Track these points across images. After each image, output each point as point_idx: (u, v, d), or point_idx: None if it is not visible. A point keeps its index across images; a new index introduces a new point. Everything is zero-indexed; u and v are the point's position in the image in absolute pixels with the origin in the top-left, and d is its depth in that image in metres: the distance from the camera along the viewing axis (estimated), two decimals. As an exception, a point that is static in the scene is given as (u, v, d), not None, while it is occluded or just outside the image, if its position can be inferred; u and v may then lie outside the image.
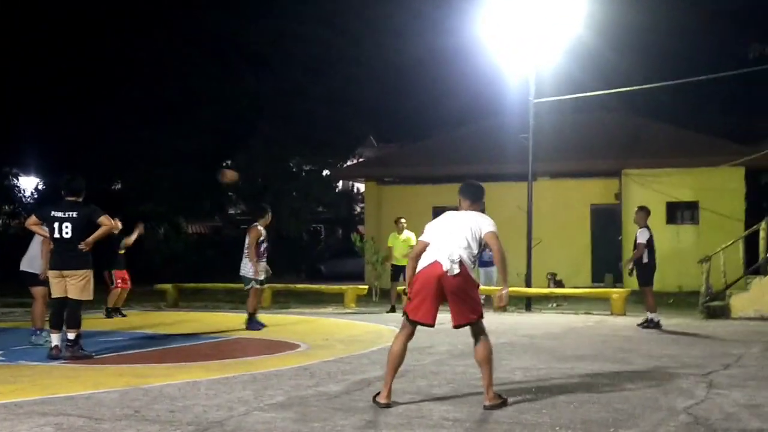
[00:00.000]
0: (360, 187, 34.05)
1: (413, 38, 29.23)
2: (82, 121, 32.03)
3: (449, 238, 6.14)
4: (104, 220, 8.76)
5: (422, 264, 6.11)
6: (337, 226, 40.94)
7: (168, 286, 17.65)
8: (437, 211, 24.09)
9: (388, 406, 5.94)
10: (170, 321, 13.38)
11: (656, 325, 12.15)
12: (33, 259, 10.18)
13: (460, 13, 22.29)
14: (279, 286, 18.83)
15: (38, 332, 10.00)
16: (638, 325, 12.26)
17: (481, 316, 6.18)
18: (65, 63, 30.08)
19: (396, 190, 24.03)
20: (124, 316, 14.09)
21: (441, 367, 8.07)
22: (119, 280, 14.21)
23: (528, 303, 16.34)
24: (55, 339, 8.65)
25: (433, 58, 29.33)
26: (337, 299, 17.12)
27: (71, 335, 8.61)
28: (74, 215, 8.66)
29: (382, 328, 12.19)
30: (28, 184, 37.67)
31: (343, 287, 17.37)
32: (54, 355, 8.56)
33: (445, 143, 25.06)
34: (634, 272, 12.64)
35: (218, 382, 7.07)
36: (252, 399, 6.26)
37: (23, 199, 36.69)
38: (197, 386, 6.83)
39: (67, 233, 8.61)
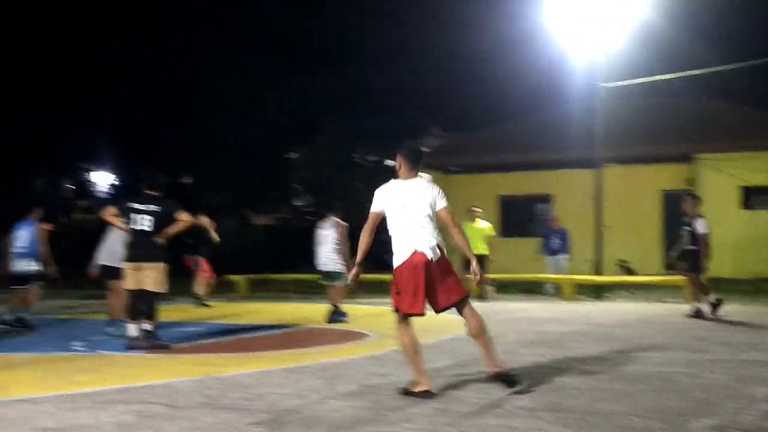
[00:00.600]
0: (425, 176, 33.96)
1: (477, 26, 28.93)
2: (152, 118, 32.77)
3: (418, 220, 6.02)
4: (183, 215, 8.93)
5: (401, 256, 6.01)
6: (402, 216, 40.93)
7: (239, 278, 17.93)
8: (504, 200, 23.95)
9: (431, 394, 5.90)
10: (241, 312, 13.61)
11: (699, 314, 11.67)
12: (111, 253, 10.46)
13: (524, -1, 22.04)
14: (346, 276, 18.99)
15: (115, 324, 10.26)
16: (689, 316, 11.69)
17: (468, 294, 6.16)
18: (139, 61, 30.79)
19: (462, 179, 23.92)
20: (208, 306, 14.31)
21: (511, 356, 8.01)
22: (205, 269, 14.51)
23: (598, 291, 16.13)
24: (132, 329, 8.87)
25: (498, 46, 28.97)
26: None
27: (148, 326, 8.82)
28: (154, 209, 8.83)
29: (450, 317, 12.12)
30: (102, 179, 38.71)
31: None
32: (131, 345, 8.78)
33: (511, 131, 24.84)
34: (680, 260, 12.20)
35: (290, 371, 7.16)
36: (324, 387, 6.33)
37: (98, 194, 37.71)
38: (270, 375, 6.94)
39: (146, 226, 8.79)
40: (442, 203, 6.14)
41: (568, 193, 21.71)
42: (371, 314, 13.04)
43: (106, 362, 8.01)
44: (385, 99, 31.53)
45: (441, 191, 6.21)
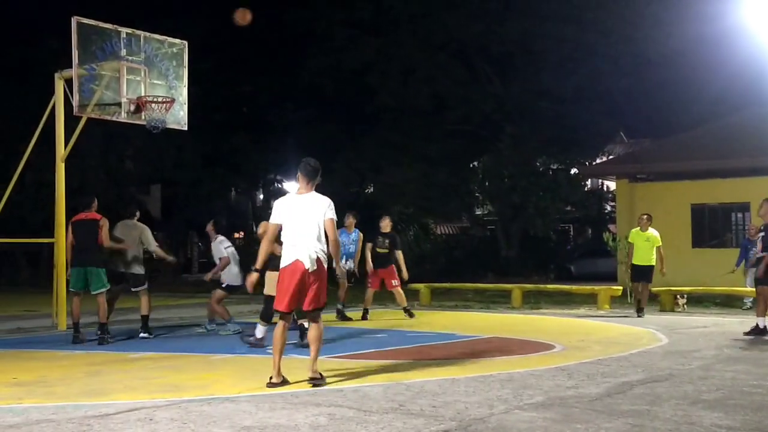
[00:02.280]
0: (610, 185, 33.00)
1: (666, 28, 27.68)
2: (341, 128, 33.95)
3: (305, 232, 6.76)
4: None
5: (285, 261, 6.80)
6: (586, 225, 39.98)
7: (421, 286, 18.11)
8: (696, 209, 22.73)
9: (284, 382, 6.78)
10: (424, 320, 13.72)
11: (763, 331, 10.55)
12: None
13: (719, -1, 20.93)
14: (529, 286, 18.78)
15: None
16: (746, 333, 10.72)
17: (323, 306, 6.94)
18: (325, 75, 31.99)
19: (650, 187, 23.00)
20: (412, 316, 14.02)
21: (708, 372, 7.63)
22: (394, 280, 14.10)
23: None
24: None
25: (689, 47, 27.61)
26: (589, 300, 16.72)
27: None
28: None
29: (639, 330, 11.75)
30: (293, 188, 40.41)
31: (596, 288, 16.91)
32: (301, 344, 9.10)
33: (703, 136, 23.61)
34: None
35: (476, 379, 7.16)
36: (511, 398, 6.28)
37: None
38: (456, 383, 6.96)
39: None
40: (329, 215, 6.86)
41: (768, 201, 20.33)
42: (555, 324, 12.81)
43: (297, 365, 8.30)
44: (569, 106, 30.91)
45: (331, 205, 6.90)
